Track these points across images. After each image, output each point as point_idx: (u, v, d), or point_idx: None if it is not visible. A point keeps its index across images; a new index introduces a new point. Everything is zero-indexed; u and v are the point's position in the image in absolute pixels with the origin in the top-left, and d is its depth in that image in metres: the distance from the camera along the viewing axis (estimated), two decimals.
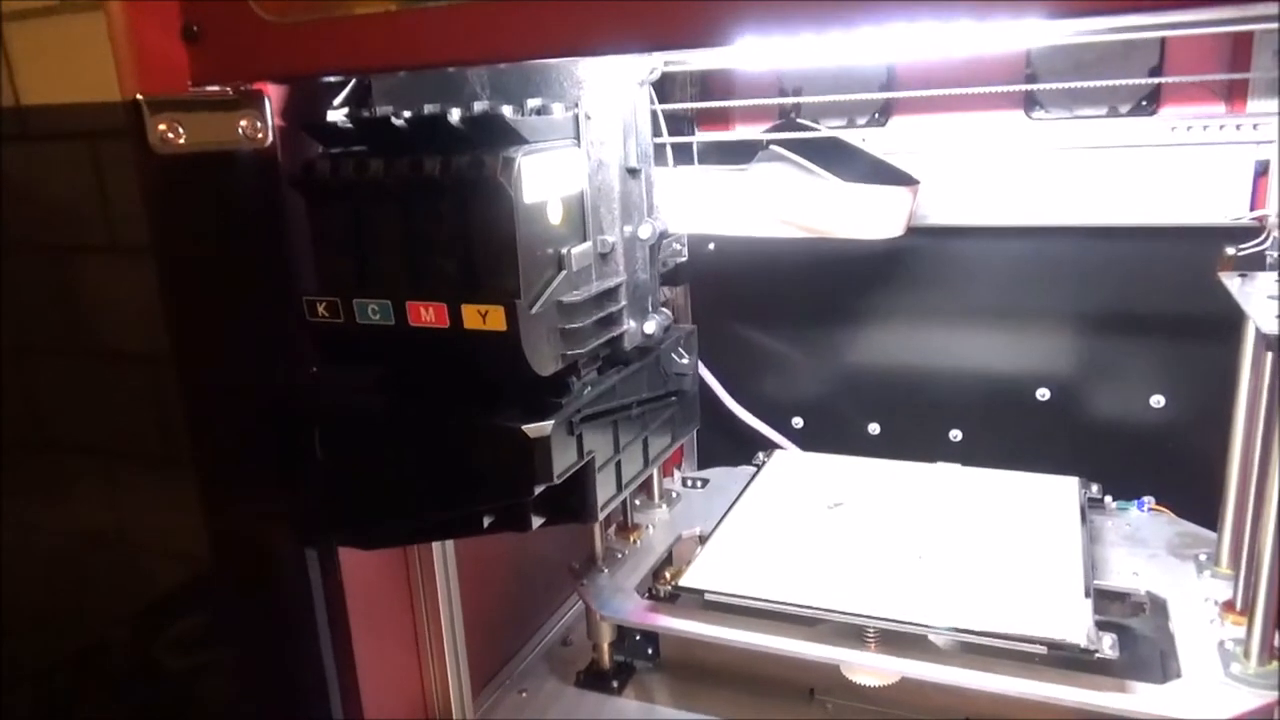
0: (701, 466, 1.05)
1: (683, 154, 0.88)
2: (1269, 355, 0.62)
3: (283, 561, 0.55)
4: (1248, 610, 0.62)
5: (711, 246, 1.02)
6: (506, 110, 0.46)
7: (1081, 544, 0.71)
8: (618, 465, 0.53)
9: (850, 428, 1.01)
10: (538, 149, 0.46)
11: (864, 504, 0.81)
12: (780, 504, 0.83)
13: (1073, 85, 0.80)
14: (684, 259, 0.87)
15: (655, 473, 0.90)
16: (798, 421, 1.02)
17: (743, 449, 1.00)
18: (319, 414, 0.50)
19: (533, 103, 0.49)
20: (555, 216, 0.47)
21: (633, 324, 0.53)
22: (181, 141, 0.42)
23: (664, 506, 0.89)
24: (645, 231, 0.52)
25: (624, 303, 0.52)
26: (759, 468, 0.90)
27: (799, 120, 0.89)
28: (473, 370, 0.47)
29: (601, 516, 0.52)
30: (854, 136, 0.91)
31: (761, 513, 0.81)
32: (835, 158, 0.83)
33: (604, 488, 0.52)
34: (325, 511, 0.51)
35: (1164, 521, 0.83)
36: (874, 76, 0.91)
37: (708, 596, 0.69)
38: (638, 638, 0.80)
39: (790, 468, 0.91)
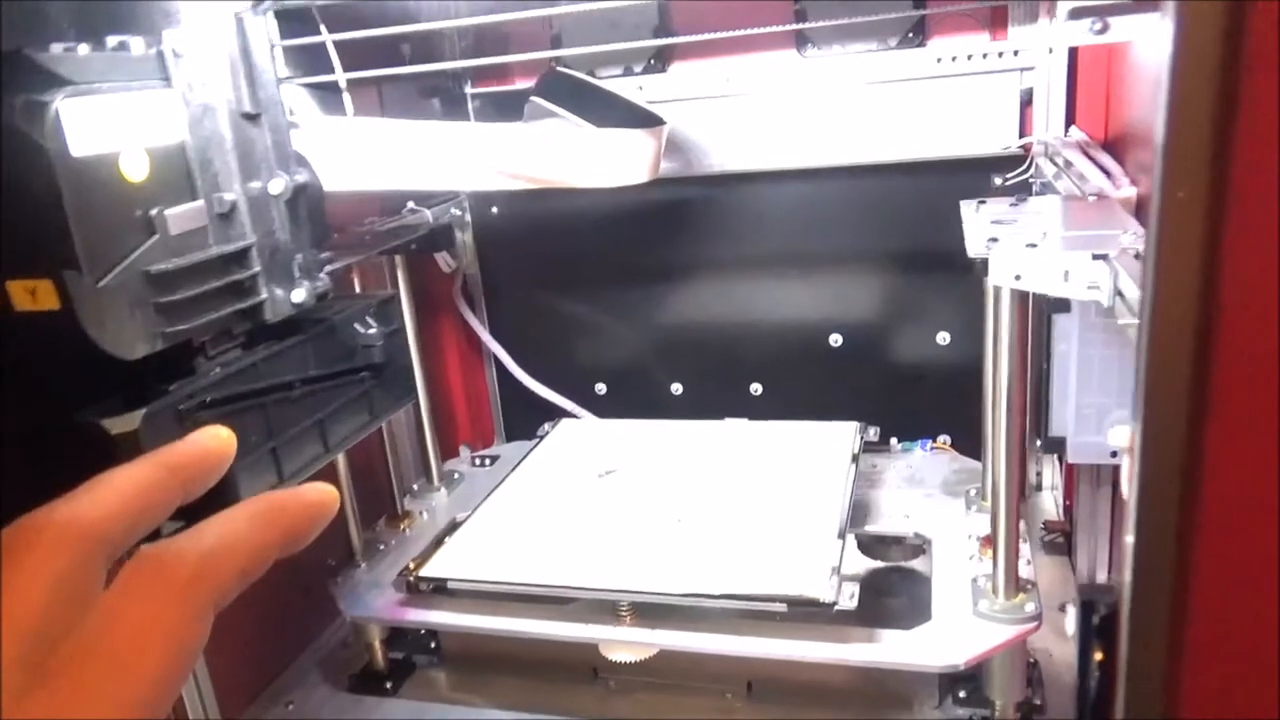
0: (510, 441, 1.00)
1: (510, 110, 0.82)
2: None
3: None
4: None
5: (495, 210, 0.96)
6: (57, 48, 0.39)
7: (843, 491, 0.68)
8: (274, 453, 0.47)
9: (654, 390, 0.97)
10: (92, 91, 0.39)
11: (636, 470, 0.77)
12: (551, 477, 0.78)
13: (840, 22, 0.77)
14: (461, 215, 0.81)
15: (434, 454, 0.84)
16: (601, 388, 0.98)
17: (545, 421, 0.95)
18: None
19: (114, 40, 0.42)
20: (137, 172, 0.40)
21: (278, 291, 0.47)
22: None
23: (443, 490, 0.84)
24: (277, 187, 0.46)
25: (257, 268, 0.45)
26: (540, 439, 0.85)
27: (562, 70, 0.84)
28: (38, 360, 0.40)
29: None
30: (631, 84, 0.86)
31: (528, 488, 0.76)
32: (589, 104, 0.77)
33: (253, 480, 0.46)
34: None
35: (944, 460, 0.81)
36: (646, 22, 0.86)
37: (450, 585, 0.64)
38: (422, 633, 0.75)
39: (573, 437, 0.86)
